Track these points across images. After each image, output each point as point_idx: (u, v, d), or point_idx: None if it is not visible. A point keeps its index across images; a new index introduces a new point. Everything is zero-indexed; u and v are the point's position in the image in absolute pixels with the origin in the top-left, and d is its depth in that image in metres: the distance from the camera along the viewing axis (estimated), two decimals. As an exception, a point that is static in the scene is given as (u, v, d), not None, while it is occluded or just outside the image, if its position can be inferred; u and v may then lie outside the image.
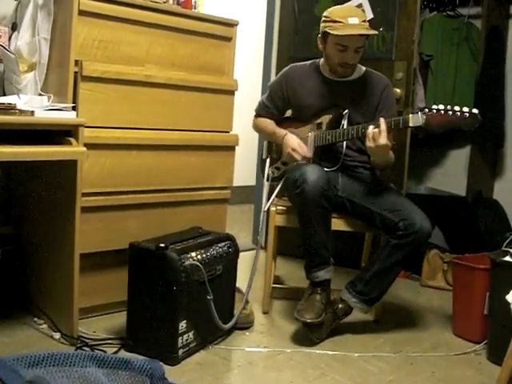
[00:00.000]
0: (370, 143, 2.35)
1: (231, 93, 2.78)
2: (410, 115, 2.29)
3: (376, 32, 2.54)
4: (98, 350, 2.13)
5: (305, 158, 2.56)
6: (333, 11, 2.53)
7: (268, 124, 2.78)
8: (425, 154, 3.87)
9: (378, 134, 2.31)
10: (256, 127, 2.87)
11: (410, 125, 2.29)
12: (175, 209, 2.63)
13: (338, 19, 2.46)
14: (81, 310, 2.26)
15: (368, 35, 2.51)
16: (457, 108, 2.23)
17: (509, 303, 1.84)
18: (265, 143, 2.89)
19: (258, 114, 2.85)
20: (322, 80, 2.67)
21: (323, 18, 2.54)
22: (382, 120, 2.32)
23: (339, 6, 2.71)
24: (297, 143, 2.59)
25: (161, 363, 1.81)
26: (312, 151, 2.59)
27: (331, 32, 2.46)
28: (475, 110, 2.23)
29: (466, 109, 2.23)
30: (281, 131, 2.68)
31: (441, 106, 2.24)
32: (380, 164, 2.54)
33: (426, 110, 2.25)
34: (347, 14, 2.49)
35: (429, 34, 3.67)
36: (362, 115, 2.59)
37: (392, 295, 2.93)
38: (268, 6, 3.96)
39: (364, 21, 2.48)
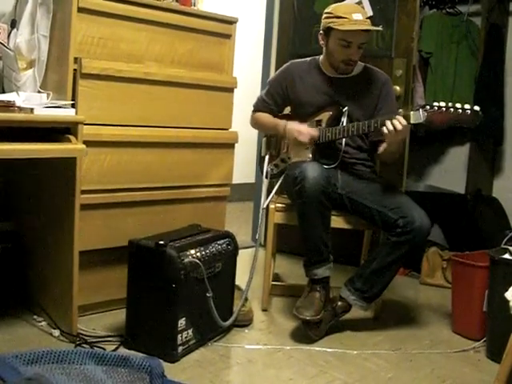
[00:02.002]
0: (394, 138, 2.32)
1: (230, 90, 2.78)
2: (412, 112, 2.29)
3: (380, 28, 2.55)
4: (98, 347, 2.13)
5: (312, 138, 2.56)
6: (336, 8, 2.54)
7: (267, 117, 2.78)
8: (424, 152, 3.86)
9: (405, 128, 2.29)
10: (254, 122, 2.86)
11: (412, 122, 2.28)
12: (174, 206, 2.63)
13: (342, 15, 2.46)
14: (80, 308, 2.26)
15: (370, 31, 2.52)
16: (458, 105, 2.22)
17: (508, 300, 1.84)
18: (263, 140, 2.89)
19: (256, 109, 2.85)
20: (322, 77, 2.67)
21: (326, 15, 2.54)
22: (400, 118, 2.29)
23: (340, 4, 2.71)
24: (300, 127, 2.59)
25: (160, 360, 1.82)
26: (310, 152, 2.59)
27: (336, 27, 2.46)
28: (477, 107, 2.22)
29: (467, 106, 2.22)
30: (281, 121, 2.69)
31: (442, 103, 2.23)
32: (394, 154, 2.52)
33: (428, 107, 2.25)
34: (351, 10, 2.51)
35: (428, 31, 3.67)
36: (362, 111, 2.59)
37: (391, 293, 2.93)
38: (267, 3, 3.95)
39: (367, 18, 2.49)
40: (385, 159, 2.60)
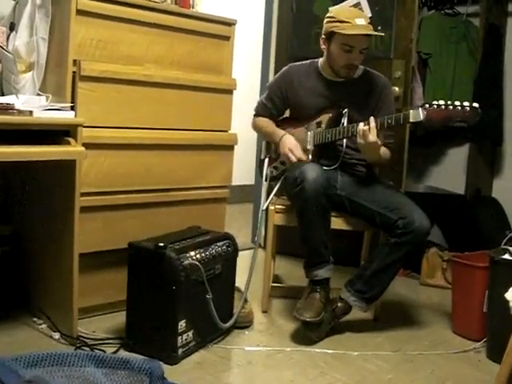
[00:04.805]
0: (360, 140, 2.39)
1: (230, 92, 2.78)
2: (411, 111, 2.30)
3: (382, 34, 2.56)
4: (98, 349, 2.13)
5: (300, 160, 2.56)
6: (338, 12, 2.54)
7: (267, 124, 2.78)
8: (423, 153, 3.87)
9: (367, 132, 2.34)
10: (255, 127, 2.87)
11: (411, 120, 2.29)
12: (174, 208, 2.63)
13: (345, 19, 2.46)
14: (80, 310, 2.26)
15: (371, 36, 2.54)
16: (457, 103, 2.24)
17: (508, 301, 1.84)
18: (263, 143, 2.89)
19: (257, 114, 2.85)
20: (321, 80, 2.67)
21: (328, 19, 2.54)
22: (371, 118, 2.36)
23: (342, 8, 2.71)
24: (293, 144, 2.59)
25: (160, 363, 1.82)
26: (310, 154, 2.60)
27: (340, 32, 2.46)
28: (475, 104, 2.23)
29: (466, 103, 2.23)
30: (279, 131, 2.69)
31: (441, 102, 2.24)
32: (372, 160, 2.57)
33: (427, 105, 2.26)
34: (354, 15, 2.52)
35: (427, 32, 3.67)
36: (362, 114, 2.58)
37: (391, 293, 2.93)
38: (266, 5, 3.95)
39: (369, 22, 2.50)
40: (372, 163, 2.64)
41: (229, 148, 2.81)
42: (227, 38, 2.77)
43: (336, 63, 2.57)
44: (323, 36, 2.58)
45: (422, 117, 2.25)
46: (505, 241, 2.44)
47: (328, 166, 2.57)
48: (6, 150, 1.88)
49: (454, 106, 2.23)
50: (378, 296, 2.51)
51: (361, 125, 2.38)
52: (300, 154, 2.58)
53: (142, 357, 2.01)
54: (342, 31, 2.45)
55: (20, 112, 2.01)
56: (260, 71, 4.00)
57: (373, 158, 2.53)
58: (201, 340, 2.24)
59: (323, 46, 2.60)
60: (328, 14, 2.56)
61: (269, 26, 3.91)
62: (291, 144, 2.60)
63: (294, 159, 2.57)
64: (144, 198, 2.52)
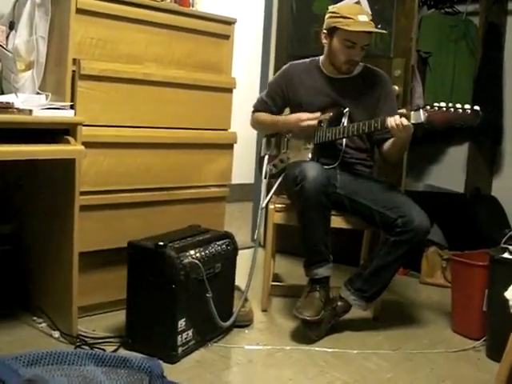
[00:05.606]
0: (401, 133, 2.31)
1: (229, 90, 2.78)
2: (412, 112, 2.28)
3: (385, 31, 2.56)
4: (98, 348, 2.13)
5: (316, 119, 2.57)
6: (341, 8, 2.55)
7: (266, 116, 2.80)
8: (423, 151, 3.86)
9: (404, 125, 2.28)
10: (254, 122, 2.87)
11: (412, 121, 2.28)
12: (174, 207, 2.63)
13: (348, 15, 2.47)
14: (80, 309, 2.26)
15: (372, 33, 2.55)
16: (458, 105, 2.23)
17: (507, 299, 1.84)
18: (263, 140, 2.89)
19: (255, 110, 2.86)
20: (322, 77, 2.67)
21: (330, 14, 2.55)
22: (396, 116, 2.30)
23: (344, 4, 2.71)
24: (296, 116, 2.62)
25: (160, 361, 1.82)
26: (310, 152, 2.60)
27: (342, 27, 2.47)
28: (477, 107, 2.22)
29: (467, 106, 2.23)
30: (278, 117, 2.73)
31: (442, 104, 2.24)
32: (401, 150, 2.58)
33: (428, 107, 2.25)
34: (356, 11, 2.52)
35: (427, 31, 3.67)
36: (363, 112, 2.59)
37: (391, 292, 2.93)
38: (266, 4, 3.95)
39: (371, 20, 2.51)
40: (391, 157, 2.60)
41: (228, 146, 2.81)
42: (227, 37, 2.77)
43: (337, 59, 2.57)
44: (325, 31, 2.59)
45: (423, 118, 2.24)
46: (504, 239, 2.44)
47: (327, 165, 2.57)
48: (6, 149, 1.88)
49: (456, 109, 2.22)
50: (377, 295, 2.51)
51: (397, 118, 2.29)
52: (312, 115, 2.58)
53: (141, 355, 2.01)
54: (345, 27, 2.46)
55: (19, 111, 2.01)
56: (260, 70, 4.00)
57: (404, 146, 2.52)
58: (200, 339, 2.24)
59: (324, 41, 2.60)
60: (330, 10, 2.57)
61: (268, 25, 3.91)
62: (297, 116, 2.62)
63: (312, 123, 2.57)
64: (144, 196, 2.52)
